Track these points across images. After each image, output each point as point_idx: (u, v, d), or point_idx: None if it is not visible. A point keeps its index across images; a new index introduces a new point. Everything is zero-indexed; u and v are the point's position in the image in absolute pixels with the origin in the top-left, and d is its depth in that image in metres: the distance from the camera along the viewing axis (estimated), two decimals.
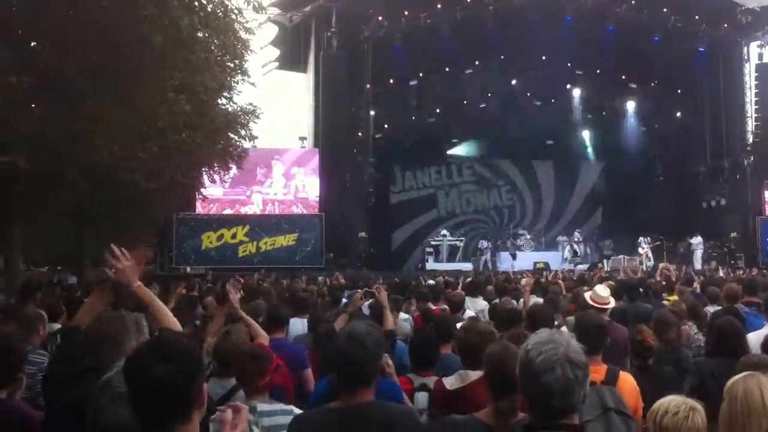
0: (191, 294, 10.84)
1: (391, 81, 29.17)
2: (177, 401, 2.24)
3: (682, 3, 27.11)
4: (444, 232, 30.34)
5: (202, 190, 21.26)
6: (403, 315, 8.26)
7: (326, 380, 4.12)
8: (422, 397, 4.50)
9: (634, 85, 31.67)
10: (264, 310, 6.83)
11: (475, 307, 9.10)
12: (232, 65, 15.77)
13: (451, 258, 28.99)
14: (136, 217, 18.77)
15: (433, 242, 29.72)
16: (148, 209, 18.11)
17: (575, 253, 29.09)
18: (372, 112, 27.60)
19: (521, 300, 9.15)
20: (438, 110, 31.38)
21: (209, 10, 13.12)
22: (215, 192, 24.74)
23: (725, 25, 28.18)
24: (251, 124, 17.45)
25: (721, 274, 17.63)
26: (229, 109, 17.11)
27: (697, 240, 27.46)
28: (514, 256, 28.90)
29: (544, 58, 29.49)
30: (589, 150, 34.25)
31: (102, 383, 2.96)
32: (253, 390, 3.91)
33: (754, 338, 5.55)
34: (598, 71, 30.43)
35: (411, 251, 31.75)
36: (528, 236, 30.59)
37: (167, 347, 2.31)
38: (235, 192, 26.18)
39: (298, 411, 3.70)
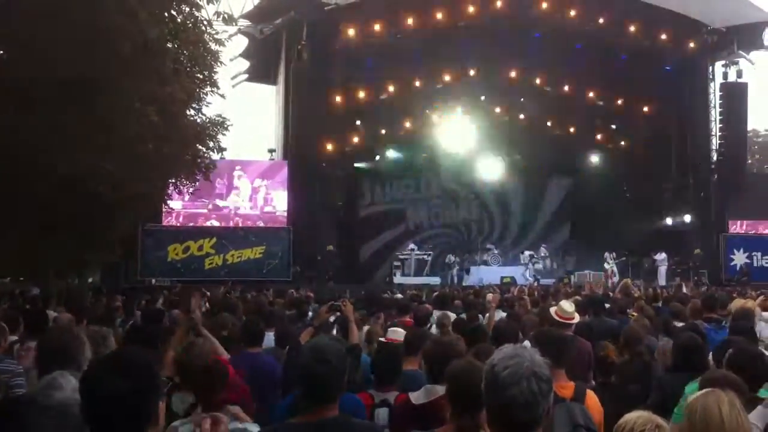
0: (154, 307, 10.74)
1: (362, 94, 29.21)
2: (130, 417, 2.22)
3: (649, 22, 27.57)
4: (412, 246, 30.38)
5: (168, 202, 21.08)
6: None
7: (292, 395, 4.08)
8: (383, 413, 4.48)
9: (601, 102, 32.04)
10: (230, 322, 6.77)
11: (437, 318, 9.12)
12: (201, 76, 15.65)
13: (418, 272, 29.04)
14: (101, 227, 18.51)
15: (401, 256, 29.75)
16: (113, 220, 17.88)
17: (536, 269, 29.28)
18: (342, 125, 27.62)
19: (486, 315, 9.19)
20: (408, 124, 31.48)
21: (179, 21, 13.05)
22: (174, 205, 24.63)
23: (691, 45, 28.69)
24: (220, 136, 17.35)
25: (685, 290, 17.85)
26: (198, 121, 16.98)
27: (661, 256, 27.79)
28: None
29: (512, 74, 29.78)
30: (557, 165, 34.45)
31: (27, 398, 2.90)
32: (209, 406, 3.75)
33: None
34: (566, 88, 30.76)
35: (379, 265, 31.70)
36: (495, 251, 30.72)
37: (125, 362, 2.29)
38: (195, 205, 25.99)
39: (254, 428, 3.65)
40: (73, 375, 2.96)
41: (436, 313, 9.31)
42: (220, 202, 26.49)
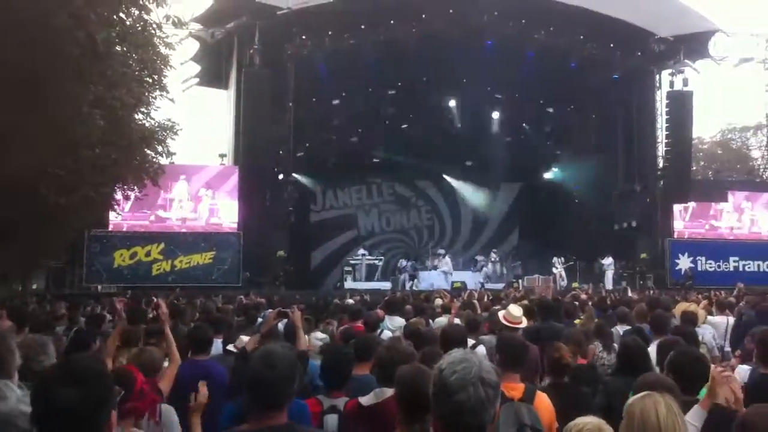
0: (97, 313, 10.58)
1: (314, 100, 29.16)
2: (85, 427, 2.18)
3: (598, 31, 27.94)
4: (363, 251, 30.40)
5: (111, 212, 20.74)
6: (320, 335, 8.23)
7: (237, 402, 4.05)
8: (332, 420, 4.45)
9: (551, 110, 32.46)
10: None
11: (393, 324, 9.15)
12: (150, 80, 15.47)
13: (369, 277, 29.06)
14: (46, 233, 18.14)
15: (352, 261, 29.75)
16: (58, 225, 17.53)
17: (486, 274, 29.58)
18: (293, 131, 27.49)
19: (437, 319, 9.27)
20: (360, 130, 31.54)
21: (128, 24, 12.87)
22: (114, 217, 24.43)
23: (639, 53, 29.19)
24: (169, 141, 17.16)
25: (630, 294, 18.18)
26: (146, 125, 16.76)
27: (608, 261, 28.29)
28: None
29: (465, 80, 30.00)
30: (508, 172, 34.73)
31: None
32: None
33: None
34: (516, 95, 31.08)
35: (330, 270, 31.69)
36: (446, 256, 30.89)
37: (78, 371, 2.24)
38: (136, 217, 25.58)
39: None
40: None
41: (389, 319, 9.35)
42: (162, 213, 26.10)
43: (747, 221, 31.35)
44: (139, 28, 13.32)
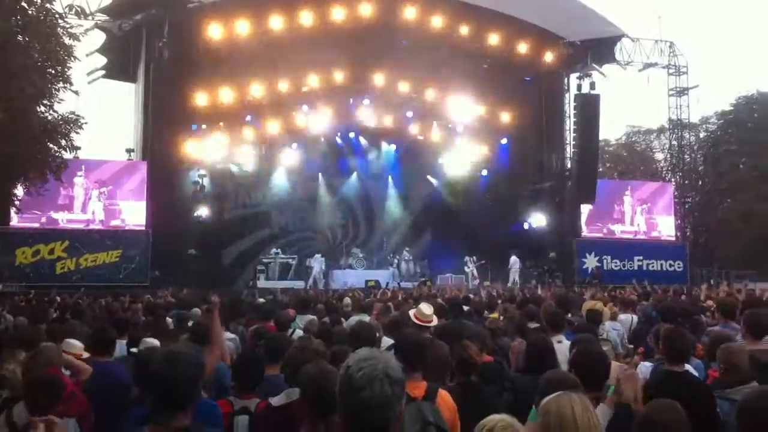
0: None
1: (225, 95, 28.67)
2: None
3: (510, 33, 28.57)
4: (276, 250, 30.14)
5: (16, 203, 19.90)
6: (229, 335, 8.10)
7: (144, 406, 3.94)
8: (242, 421, 4.41)
9: (464, 110, 32.77)
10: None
11: (304, 323, 9.08)
12: (53, 72, 14.93)
13: (283, 276, 28.88)
14: None
15: (264, 260, 29.45)
16: None
17: (399, 273, 29.89)
18: (204, 126, 27.03)
19: (350, 318, 9.26)
20: (272, 127, 31.14)
21: (30, 13, 12.40)
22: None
23: (549, 56, 29.92)
24: (73, 134, 16.56)
25: (539, 292, 18.60)
26: (49, 118, 16.14)
27: (513, 260, 28.92)
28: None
29: (379, 80, 30.03)
30: (421, 171, 34.97)
31: None
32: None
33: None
34: (430, 95, 31.29)
35: (242, 269, 31.25)
36: (360, 255, 30.99)
37: None
38: (24, 219, 24.15)
39: None
40: None
41: (300, 318, 9.27)
42: (54, 215, 25.16)
43: (648, 224, 32.41)
44: (42, 18, 12.86)
